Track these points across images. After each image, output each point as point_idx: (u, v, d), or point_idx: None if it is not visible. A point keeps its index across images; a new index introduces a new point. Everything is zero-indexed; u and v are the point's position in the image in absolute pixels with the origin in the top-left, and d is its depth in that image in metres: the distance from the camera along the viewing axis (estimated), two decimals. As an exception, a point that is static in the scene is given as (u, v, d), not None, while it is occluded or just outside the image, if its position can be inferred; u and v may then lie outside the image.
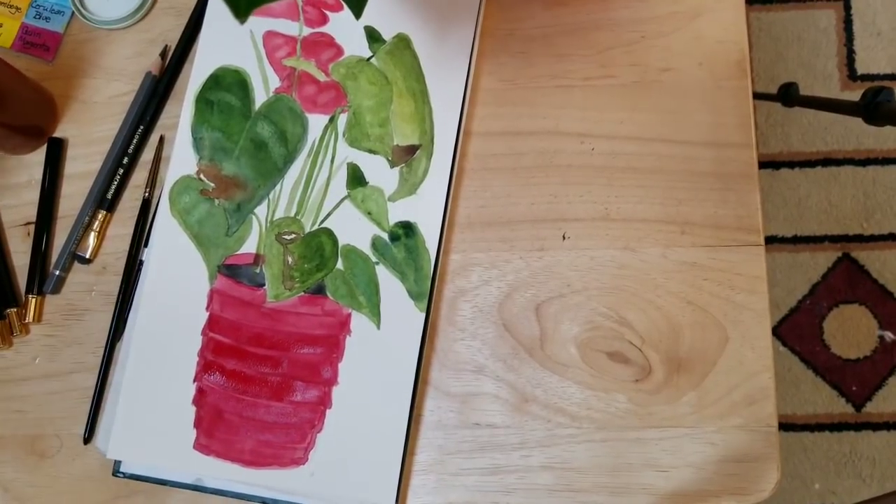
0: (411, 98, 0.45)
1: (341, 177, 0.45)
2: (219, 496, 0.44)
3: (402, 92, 0.46)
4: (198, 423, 0.43)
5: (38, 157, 0.49)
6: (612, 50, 0.47)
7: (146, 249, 0.46)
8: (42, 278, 0.47)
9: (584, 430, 0.43)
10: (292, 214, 0.45)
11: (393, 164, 0.45)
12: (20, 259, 0.48)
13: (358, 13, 0.46)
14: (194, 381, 0.44)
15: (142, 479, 0.44)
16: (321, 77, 0.46)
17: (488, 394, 0.44)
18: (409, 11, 0.46)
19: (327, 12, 0.47)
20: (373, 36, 0.46)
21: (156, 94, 0.48)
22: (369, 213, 0.45)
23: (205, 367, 0.44)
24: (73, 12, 0.50)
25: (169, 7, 0.50)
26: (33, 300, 0.47)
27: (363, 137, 0.45)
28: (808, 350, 1.09)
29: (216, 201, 0.45)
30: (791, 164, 1.12)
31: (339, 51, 0.46)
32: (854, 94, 1.06)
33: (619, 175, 0.45)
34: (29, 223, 0.48)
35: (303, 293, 0.44)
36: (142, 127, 0.48)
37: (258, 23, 0.46)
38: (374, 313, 0.44)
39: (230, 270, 0.45)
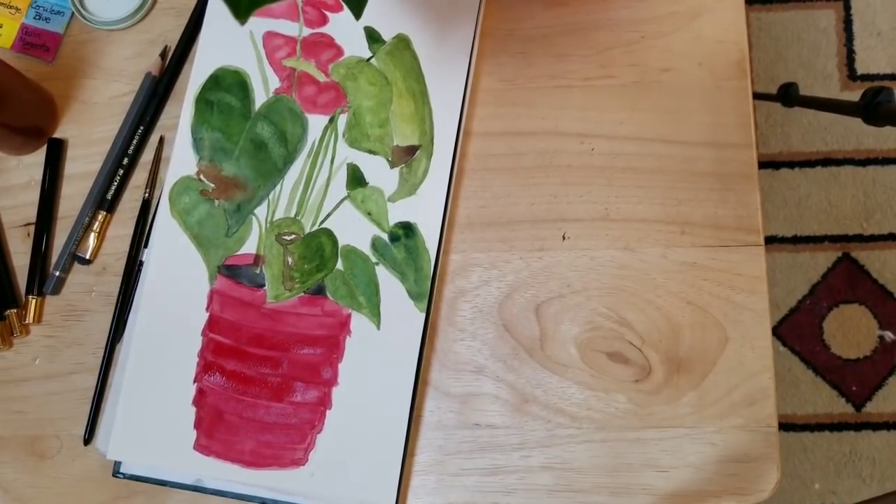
0: (411, 98, 0.45)
1: (341, 177, 0.45)
2: (219, 497, 0.44)
3: (401, 92, 0.46)
4: (198, 424, 0.43)
5: (38, 157, 0.49)
6: (611, 50, 0.47)
7: (146, 250, 0.46)
8: (42, 279, 0.47)
9: (583, 431, 0.43)
10: (292, 215, 0.45)
11: (393, 165, 0.45)
12: (20, 260, 0.48)
13: (358, 14, 0.46)
14: (194, 381, 0.44)
15: (142, 480, 0.44)
16: (321, 77, 0.46)
17: (488, 394, 0.44)
18: (408, 12, 0.46)
19: (327, 13, 0.47)
20: (372, 36, 0.46)
21: (156, 94, 0.48)
22: (369, 214, 0.45)
23: (205, 367, 0.44)
24: (72, 13, 0.50)
25: (169, 7, 0.50)
26: (33, 301, 0.47)
27: (363, 138, 0.45)
28: (808, 350, 1.09)
29: (216, 202, 0.45)
30: (791, 164, 1.12)
31: (339, 51, 0.46)
32: (854, 94, 1.06)
33: (619, 175, 0.45)
34: (29, 224, 0.48)
35: (303, 294, 0.44)
36: (142, 127, 0.48)
37: (258, 23, 0.46)
38: (374, 314, 0.44)
39: (230, 271, 0.45)
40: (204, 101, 0.46)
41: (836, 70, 1.13)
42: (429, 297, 0.44)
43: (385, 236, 0.44)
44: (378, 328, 0.44)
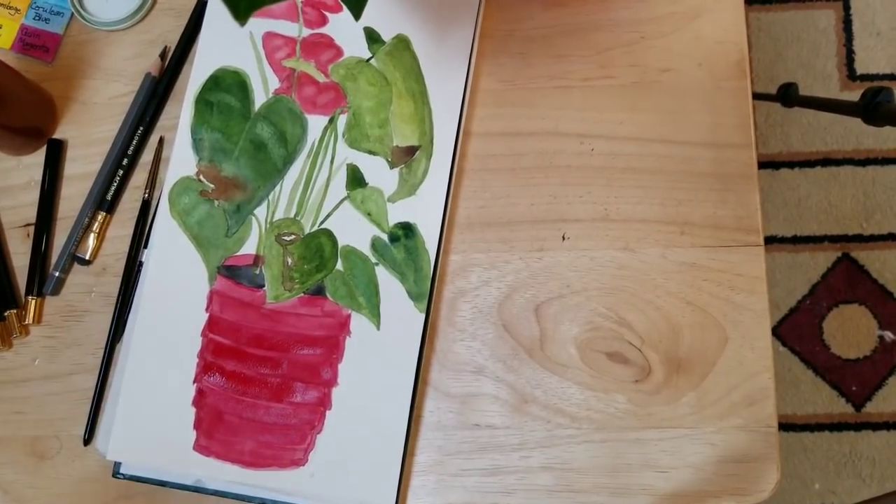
0: (411, 99, 0.45)
1: (341, 178, 0.45)
2: (219, 497, 0.44)
3: (401, 93, 0.46)
4: (198, 425, 0.43)
5: (38, 158, 0.49)
6: (611, 51, 0.47)
7: (146, 251, 0.46)
8: (42, 280, 0.47)
9: (583, 431, 0.43)
10: (292, 215, 0.45)
11: (392, 165, 0.45)
12: (20, 260, 0.48)
13: (357, 14, 0.46)
14: (194, 382, 0.44)
15: (141, 481, 0.44)
16: (321, 78, 0.46)
17: (488, 394, 0.44)
18: (408, 12, 0.46)
19: (327, 13, 0.47)
20: (372, 37, 0.46)
21: (155, 95, 0.48)
22: (369, 214, 0.45)
23: (204, 368, 0.44)
24: (72, 13, 0.50)
25: (168, 8, 0.50)
26: (33, 301, 0.47)
27: (363, 138, 0.45)
28: (807, 350, 1.09)
29: (216, 202, 0.45)
30: (791, 164, 1.12)
31: (339, 52, 0.46)
32: (853, 94, 1.06)
33: (619, 175, 0.45)
34: (28, 224, 0.48)
35: (302, 294, 0.44)
36: (141, 128, 0.48)
37: (258, 24, 0.46)
38: (374, 314, 0.44)
39: (230, 271, 0.45)
40: (204, 102, 0.46)
41: (835, 70, 1.13)
42: (428, 297, 0.44)
43: (385, 237, 0.44)
44: (378, 329, 0.44)
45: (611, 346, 0.44)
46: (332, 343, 0.44)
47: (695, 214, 0.45)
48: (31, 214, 0.48)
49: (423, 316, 0.43)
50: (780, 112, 1.12)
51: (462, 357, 0.44)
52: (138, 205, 0.48)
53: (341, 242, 0.45)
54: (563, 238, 0.45)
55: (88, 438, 0.45)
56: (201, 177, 0.45)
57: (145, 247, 0.46)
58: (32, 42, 0.50)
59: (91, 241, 0.47)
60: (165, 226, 0.45)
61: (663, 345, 0.44)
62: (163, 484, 0.44)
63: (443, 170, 0.45)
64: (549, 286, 0.45)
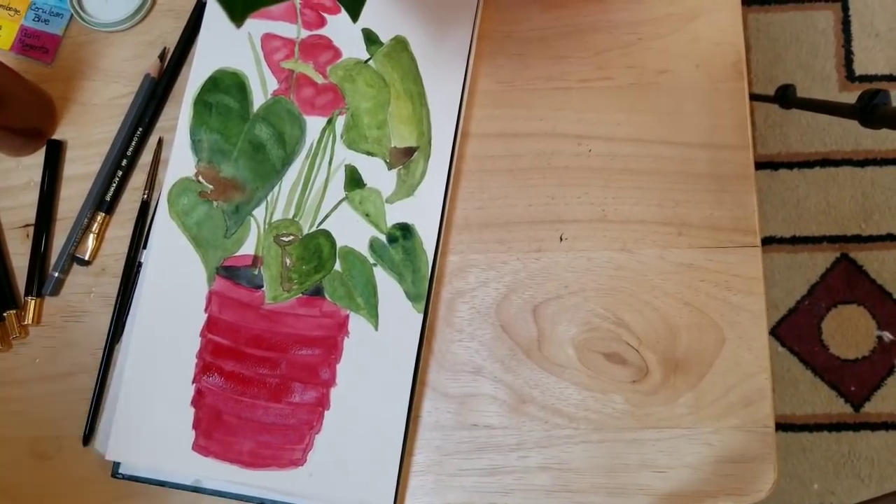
0: (409, 100, 0.46)
1: (339, 179, 0.45)
2: (218, 497, 0.44)
3: (399, 94, 0.46)
4: (196, 425, 0.43)
5: (37, 159, 0.49)
6: (609, 52, 0.47)
7: (145, 251, 0.46)
8: (41, 280, 0.47)
9: (581, 431, 0.43)
10: (290, 216, 0.45)
11: (391, 166, 0.45)
12: (19, 261, 0.48)
13: (355, 16, 0.46)
14: (193, 382, 0.44)
15: (141, 481, 0.44)
16: (319, 79, 0.46)
17: (486, 395, 0.44)
18: (406, 14, 0.46)
19: (325, 15, 0.47)
20: (370, 38, 0.46)
21: (154, 96, 0.48)
22: (367, 215, 0.45)
23: (203, 368, 0.44)
24: (71, 15, 0.50)
25: (167, 9, 0.50)
26: (32, 302, 0.47)
27: (361, 139, 0.45)
28: (806, 350, 1.09)
29: (215, 203, 0.45)
30: (789, 165, 1.12)
31: (337, 53, 0.46)
32: (852, 96, 1.06)
33: (617, 176, 0.46)
34: (28, 225, 0.48)
35: (301, 295, 0.44)
36: (140, 129, 0.48)
37: (256, 25, 0.47)
38: (372, 315, 0.44)
39: (229, 272, 0.45)
40: (202, 103, 0.46)
41: (834, 71, 1.13)
42: (426, 297, 0.44)
43: (383, 237, 0.45)
44: (376, 329, 0.44)
45: (608, 347, 0.44)
46: (330, 343, 0.44)
47: (692, 215, 0.45)
48: (31, 215, 0.48)
49: (421, 316, 0.44)
50: (779, 112, 1.12)
51: (460, 357, 0.45)
52: (137, 205, 0.48)
53: (339, 243, 0.45)
54: (561, 239, 0.45)
55: (88, 438, 0.45)
56: (200, 178, 0.46)
57: (144, 247, 0.46)
58: (32, 43, 0.50)
59: (90, 241, 0.47)
60: (164, 226, 0.45)
61: (661, 345, 0.44)
62: (162, 484, 0.44)
63: (441, 171, 0.45)
64: (546, 287, 0.45)
